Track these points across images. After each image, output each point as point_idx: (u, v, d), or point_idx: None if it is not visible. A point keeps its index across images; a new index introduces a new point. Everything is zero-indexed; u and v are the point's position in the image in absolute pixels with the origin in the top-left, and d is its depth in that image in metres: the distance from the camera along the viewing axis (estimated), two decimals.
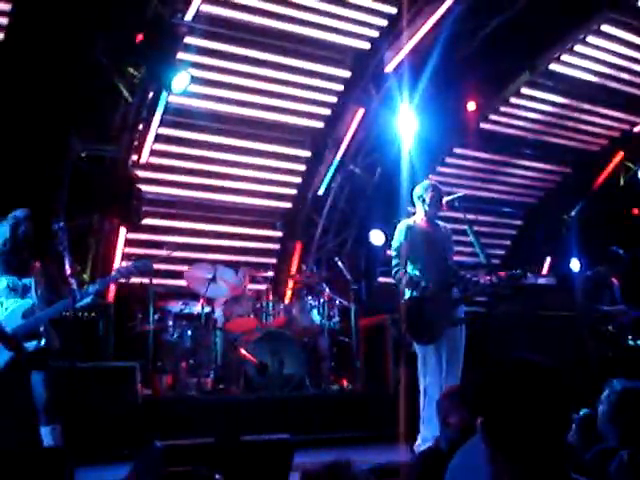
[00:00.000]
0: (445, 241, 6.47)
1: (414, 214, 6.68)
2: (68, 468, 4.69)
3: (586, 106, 11.94)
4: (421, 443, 5.92)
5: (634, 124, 12.58)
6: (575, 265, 12.33)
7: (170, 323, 8.69)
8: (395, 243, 6.42)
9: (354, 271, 10.46)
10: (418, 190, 6.51)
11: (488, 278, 6.40)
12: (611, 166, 13.06)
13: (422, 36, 9.50)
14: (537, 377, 1.91)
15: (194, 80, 8.57)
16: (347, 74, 10.30)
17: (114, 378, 7.18)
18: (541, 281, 10.15)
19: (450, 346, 6.22)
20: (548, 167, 12.98)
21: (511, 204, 13.26)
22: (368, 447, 7.15)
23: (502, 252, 13.35)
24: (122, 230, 9.62)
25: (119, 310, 8.94)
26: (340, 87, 10.41)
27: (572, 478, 1.91)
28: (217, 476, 1.67)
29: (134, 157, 9.38)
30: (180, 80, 8.28)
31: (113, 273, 6.23)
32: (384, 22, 9.81)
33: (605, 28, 10.64)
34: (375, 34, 9.92)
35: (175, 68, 8.26)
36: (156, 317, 8.57)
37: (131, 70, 8.66)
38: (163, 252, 8.82)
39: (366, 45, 10.02)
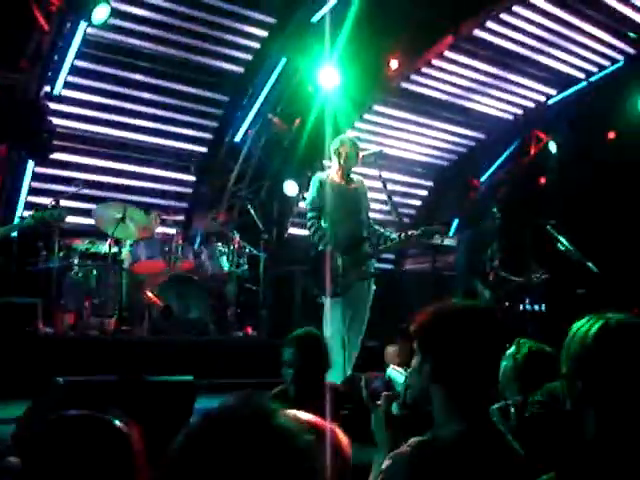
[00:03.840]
0: (359, 196, 6.52)
1: (330, 167, 6.71)
2: None
3: (505, 74, 12.14)
4: None
5: (549, 96, 12.90)
6: None
7: (75, 261, 8.52)
8: (309, 196, 6.47)
9: (266, 220, 10.47)
10: (335, 144, 6.53)
11: (397, 234, 6.51)
12: (524, 135, 13.39)
13: None
14: (480, 317, 2.15)
15: (115, 13, 8.31)
16: (272, 20, 10.16)
17: (14, 314, 7.02)
18: (446, 242, 10.40)
19: (356, 299, 6.33)
20: (463, 131, 13.21)
21: (424, 165, 13.47)
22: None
23: (412, 212, 13.58)
24: (30, 163, 9.32)
25: (22, 246, 8.70)
26: (264, 33, 10.27)
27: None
28: (117, 422, 1.66)
29: (47, 88, 9.06)
30: (100, 12, 8.02)
31: (27, 220, 6.07)
32: None
33: None
34: None
35: None
36: (61, 255, 8.38)
37: None
38: (71, 188, 8.65)
39: None
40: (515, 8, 10.86)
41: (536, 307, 11.37)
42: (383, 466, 2.02)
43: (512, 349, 3.47)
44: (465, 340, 2.07)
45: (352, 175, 6.58)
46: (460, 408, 2.06)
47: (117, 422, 1.66)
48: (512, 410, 2.96)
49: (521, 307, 11.21)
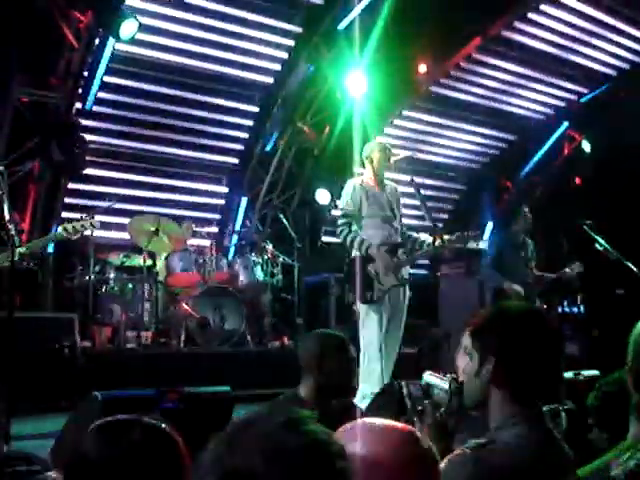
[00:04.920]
0: (393, 202, 6.47)
1: (362, 174, 6.67)
2: (6, 419, 4.63)
3: (535, 74, 12.03)
4: (360, 399, 5.99)
5: (581, 95, 12.74)
6: None
7: (111, 275, 8.56)
8: (342, 202, 6.42)
9: (299, 229, 10.46)
10: (367, 150, 6.50)
11: (432, 240, 6.45)
12: (556, 135, 13.24)
13: None
14: (541, 318, 2.15)
15: (142, 28, 8.36)
16: (299, 30, 10.17)
17: (52, 328, 7.07)
18: (482, 246, 10.32)
19: (392, 306, 6.27)
20: (494, 133, 13.10)
21: (455, 168, 13.37)
22: None
23: (445, 216, 13.49)
24: (63, 179, 9.41)
25: (58, 261, 8.77)
26: (291, 42, 10.29)
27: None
28: (163, 425, 1.65)
29: (78, 105, 9.15)
30: (128, 27, 8.06)
31: (59, 231, 6.10)
32: None
33: None
34: None
35: (123, 14, 8.03)
36: (96, 269, 8.43)
37: (77, 15, 8.41)
38: (105, 203, 8.71)
39: (319, 0, 9.88)
40: (543, 7, 10.77)
41: (574, 309, 11.22)
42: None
43: None
44: (528, 341, 2.04)
45: (385, 181, 6.53)
46: (520, 411, 2.03)
47: (163, 425, 1.65)
48: (563, 414, 2.90)
49: (559, 309, 11.08)
